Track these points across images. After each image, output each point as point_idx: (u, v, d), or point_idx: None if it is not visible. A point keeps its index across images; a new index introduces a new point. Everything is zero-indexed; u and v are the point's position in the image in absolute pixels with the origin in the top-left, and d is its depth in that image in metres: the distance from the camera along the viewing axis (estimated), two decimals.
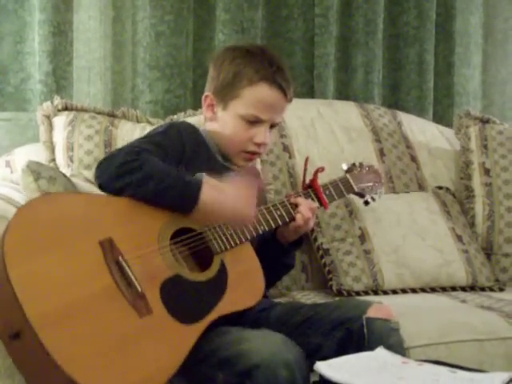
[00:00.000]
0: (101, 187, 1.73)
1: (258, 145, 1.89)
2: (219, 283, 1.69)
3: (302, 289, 2.42)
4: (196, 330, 1.60)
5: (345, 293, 2.29)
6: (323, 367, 1.44)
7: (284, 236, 1.93)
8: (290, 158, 2.56)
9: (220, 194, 1.70)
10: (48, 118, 2.46)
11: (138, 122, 2.53)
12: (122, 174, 1.67)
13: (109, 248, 1.59)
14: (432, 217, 2.48)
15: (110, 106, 2.68)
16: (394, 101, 3.07)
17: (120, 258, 1.58)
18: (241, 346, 1.56)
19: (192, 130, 1.93)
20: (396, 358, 1.52)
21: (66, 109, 2.48)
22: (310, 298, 2.27)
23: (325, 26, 2.90)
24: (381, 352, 1.54)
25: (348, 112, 2.75)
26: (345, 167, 2.11)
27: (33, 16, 2.61)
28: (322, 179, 2.01)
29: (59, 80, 2.61)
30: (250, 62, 1.87)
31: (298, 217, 1.86)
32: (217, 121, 1.92)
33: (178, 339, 1.58)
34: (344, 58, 2.99)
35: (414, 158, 2.71)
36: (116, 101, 2.72)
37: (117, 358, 1.50)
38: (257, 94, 1.85)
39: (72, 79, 2.66)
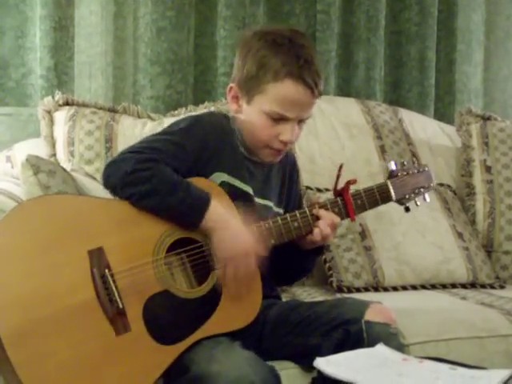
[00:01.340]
0: (106, 188, 1.70)
1: (284, 142, 1.78)
2: (210, 302, 1.63)
3: (303, 285, 2.41)
4: (174, 351, 1.57)
5: (345, 289, 2.29)
6: (323, 363, 1.44)
7: (301, 243, 1.81)
8: None
9: (227, 216, 1.64)
10: (49, 113, 2.46)
11: (138, 117, 2.53)
12: (128, 183, 1.62)
13: (97, 259, 1.55)
14: (433, 214, 2.48)
15: (110, 101, 2.68)
16: (396, 97, 3.07)
17: (106, 271, 1.55)
18: (210, 366, 1.52)
19: (218, 122, 1.83)
20: (396, 355, 1.51)
21: (66, 104, 2.48)
22: (310, 294, 2.27)
23: (326, 23, 2.90)
24: (381, 349, 1.54)
25: (349, 108, 2.75)
26: (392, 166, 1.89)
27: (34, 11, 2.61)
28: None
29: (60, 75, 2.61)
30: (276, 54, 1.73)
31: (316, 231, 1.75)
32: (242, 114, 1.80)
33: (153, 360, 1.54)
34: (345, 55, 2.99)
35: (414, 155, 2.71)
36: (117, 96, 2.72)
37: (84, 378, 1.48)
38: (281, 91, 1.72)
39: (73, 74, 2.66)
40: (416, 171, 1.91)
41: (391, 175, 1.88)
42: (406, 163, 1.91)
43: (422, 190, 1.91)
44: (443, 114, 3.11)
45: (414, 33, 3.04)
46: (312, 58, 1.76)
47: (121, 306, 1.54)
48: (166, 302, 1.60)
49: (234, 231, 1.64)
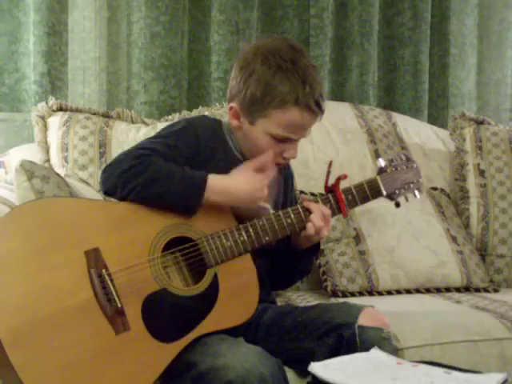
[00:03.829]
0: (106, 193, 1.71)
1: (287, 158, 1.82)
2: (208, 299, 1.65)
3: (298, 289, 2.42)
4: (174, 348, 1.58)
5: (339, 293, 2.29)
6: (317, 368, 1.44)
7: (297, 243, 1.83)
8: None
9: (227, 182, 1.69)
10: (43, 118, 2.46)
11: (132, 122, 2.53)
12: (127, 180, 1.64)
13: (94, 259, 1.56)
14: (427, 218, 2.48)
15: (104, 106, 2.68)
16: (389, 102, 3.08)
17: (103, 271, 1.56)
18: (217, 361, 1.53)
19: (212, 126, 1.85)
20: (391, 359, 1.52)
21: (60, 109, 2.48)
22: (304, 298, 2.27)
23: (320, 27, 2.90)
24: (375, 353, 1.54)
25: (343, 113, 2.75)
26: (382, 163, 1.91)
27: (28, 16, 2.60)
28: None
29: (54, 80, 2.61)
30: (281, 81, 1.74)
31: (309, 226, 1.76)
32: (243, 131, 1.82)
33: (153, 358, 1.56)
34: (339, 59, 3.00)
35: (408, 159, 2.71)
36: (111, 101, 2.72)
37: (86, 378, 1.49)
38: (287, 118, 1.75)
39: (67, 80, 2.66)
40: (405, 167, 1.94)
41: (381, 171, 1.91)
42: (394, 160, 1.94)
43: (411, 185, 1.93)
44: (437, 118, 3.11)
45: (408, 37, 3.05)
46: (315, 79, 1.77)
47: (119, 305, 1.55)
48: (163, 300, 1.61)
49: (238, 191, 1.70)
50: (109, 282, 1.56)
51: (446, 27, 3.11)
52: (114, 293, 1.55)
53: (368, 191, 1.86)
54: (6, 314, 1.47)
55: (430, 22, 3.07)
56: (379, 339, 1.65)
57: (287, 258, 1.86)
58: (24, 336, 1.46)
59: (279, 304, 1.96)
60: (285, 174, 1.98)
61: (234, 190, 1.70)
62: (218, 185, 1.68)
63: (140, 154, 1.68)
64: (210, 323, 1.63)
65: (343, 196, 1.82)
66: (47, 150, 2.43)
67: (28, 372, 1.44)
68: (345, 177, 1.83)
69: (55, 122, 2.45)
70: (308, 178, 2.53)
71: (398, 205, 1.93)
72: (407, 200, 1.94)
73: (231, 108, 1.81)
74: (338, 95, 2.98)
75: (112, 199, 1.71)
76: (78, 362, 1.49)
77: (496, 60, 3.22)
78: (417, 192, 1.95)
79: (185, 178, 1.67)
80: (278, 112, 1.75)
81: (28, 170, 2.02)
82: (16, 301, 1.48)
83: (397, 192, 1.91)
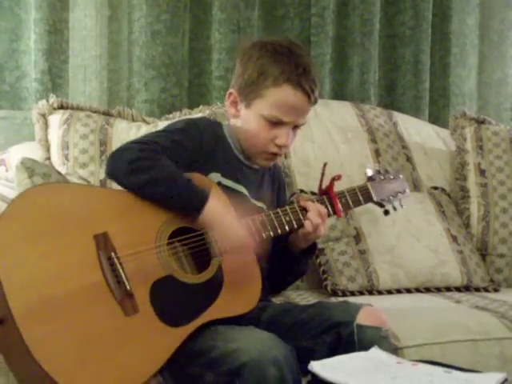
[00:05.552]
0: (109, 177, 1.74)
1: (280, 146, 1.85)
2: (213, 287, 1.68)
3: (297, 288, 2.41)
4: (181, 333, 1.60)
5: (339, 293, 2.29)
6: (317, 367, 1.44)
7: (294, 244, 1.87)
8: (285, 158, 2.56)
9: (222, 216, 1.69)
10: (43, 116, 2.46)
11: (133, 120, 2.53)
12: (131, 172, 1.67)
13: (103, 243, 1.59)
14: (427, 217, 2.48)
15: (105, 104, 2.68)
16: (390, 101, 3.08)
17: (112, 255, 1.59)
18: (229, 345, 1.55)
19: (212, 126, 1.90)
20: (391, 358, 1.52)
21: (61, 107, 2.48)
22: (304, 297, 2.27)
23: (321, 26, 2.90)
24: (375, 352, 1.54)
25: (344, 112, 2.75)
26: (369, 173, 1.99)
27: (29, 14, 2.61)
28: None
29: (55, 78, 2.61)
30: (276, 62, 1.81)
31: (307, 223, 1.80)
32: (240, 118, 1.87)
33: (162, 341, 1.58)
34: (340, 58, 3.00)
35: (409, 159, 2.71)
36: (112, 99, 2.72)
37: (96, 357, 1.50)
38: (280, 96, 1.80)
39: (68, 78, 2.66)
40: (392, 177, 2.02)
41: (370, 179, 1.98)
42: (380, 170, 2.02)
43: (398, 194, 2.01)
44: (437, 118, 3.11)
45: (409, 36, 3.05)
46: (309, 67, 1.84)
47: (128, 287, 1.57)
48: (170, 286, 1.63)
49: (229, 226, 1.69)
50: (118, 265, 1.58)
51: (447, 26, 3.12)
52: (124, 276, 1.57)
53: (360, 195, 1.92)
54: (18, 289, 1.48)
55: (431, 22, 3.07)
56: (377, 338, 1.66)
57: (285, 260, 1.89)
58: (36, 312, 1.47)
59: (278, 303, 1.97)
60: (278, 177, 2.04)
61: (228, 223, 1.70)
62: (214, 211, 1.68)
63: (148, 149, 1.70)
64: (216, 310, 1.65)
65: (337, 197, 1.87)
66: (48, 148, 2.43)
67: (40, 348, 1.45)
68: (339, 177, 1.88)
69: (56, 119, 2.45)
70: (309, 177, 2.53)
71: (386, 212, 2.00)
72: (395, 209, 2.00)
73: (230, 94, 1.88)
74: (339, 94, 2.98)
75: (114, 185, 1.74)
76: (89, 340, 1.51)
77: (497, 59, 3.22)
78: (403, 202, 2.02)
79: (184, 193, 1.67)
80: (272, 91, 1.81)
81: (29, 167, 2.02)
82: (28, 278, 1.50)
83: (386, 199, 1.98)
